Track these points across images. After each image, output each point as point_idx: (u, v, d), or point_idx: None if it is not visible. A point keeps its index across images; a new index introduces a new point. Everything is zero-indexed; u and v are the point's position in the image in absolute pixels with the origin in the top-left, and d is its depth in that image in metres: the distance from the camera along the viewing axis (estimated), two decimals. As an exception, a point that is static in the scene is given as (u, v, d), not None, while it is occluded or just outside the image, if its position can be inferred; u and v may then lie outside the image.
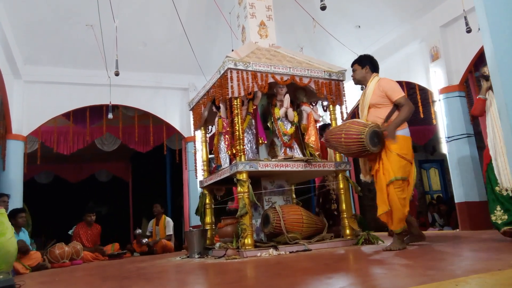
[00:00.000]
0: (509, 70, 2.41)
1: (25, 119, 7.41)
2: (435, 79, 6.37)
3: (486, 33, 2.55)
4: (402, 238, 3.50)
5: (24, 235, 5.61)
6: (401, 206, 3.38)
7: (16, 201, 6.83)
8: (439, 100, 6.30)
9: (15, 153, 7.15)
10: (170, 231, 7.44)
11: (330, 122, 4.90)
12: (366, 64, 3.89)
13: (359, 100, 4.03)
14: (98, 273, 4.06)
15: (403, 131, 3.59)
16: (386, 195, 3.43)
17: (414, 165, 3.58)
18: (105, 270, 4.26)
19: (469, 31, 5.18)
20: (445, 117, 6.18)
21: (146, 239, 7.33)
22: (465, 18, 5.24)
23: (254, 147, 4.71)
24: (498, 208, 3.33)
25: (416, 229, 3.72)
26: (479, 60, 5.87)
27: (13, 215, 5.58)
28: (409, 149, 3.56)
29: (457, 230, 6.20)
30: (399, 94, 3.61)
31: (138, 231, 7.36)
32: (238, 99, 4.30)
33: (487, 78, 3.48)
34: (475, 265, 2.10)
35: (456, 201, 6.04)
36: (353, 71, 3.94)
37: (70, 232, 6.95)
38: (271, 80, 4.46)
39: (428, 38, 6.53)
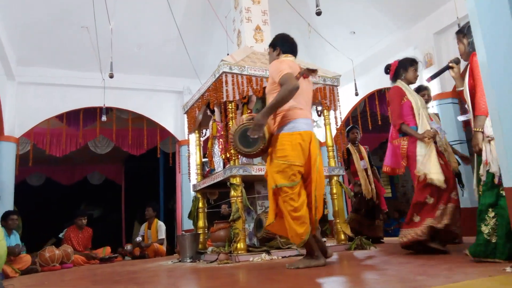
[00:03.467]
0: (502, 76, 2.43)
1: (17, 121, 7.35)
2: (428, 86, 6.41)
3: (479, 40, 2.57)
4: (317, 253, 2.89)
5: (15, 238, 5.55)
6: (290, 220, 2.77)
7: (7, 203, 6.76)
8: (432, 106, 6.34)
9: (7, 154, 7.08)
10: (162, 235, 7.39)
11: (324, 126, 4.91)
12: (276, 45, 3.19)
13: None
14: (88, 276, 4.02)
15: (287, 127, 2.90)
16: (274, 204, 2.89)
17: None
18: (96, 274, 4.22)
19: (462, 38, 5.23)
20: (438, 123, 6.22)
21: (140, 238, 7.25)
22: (459, 25, 5.29)
23: (248, 151, 4.70)
24: None
25: (320, 244, 3.00)
26: (472, 67, 5.93)
27: (4, 217, 5.53)
28: (293, 148, 2.84)
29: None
30: (280, 73, 2.85)
31: (138, 238, 7.30)
32: (233, 103, 4.30)
33: (457, 61, 3.00)
34: (467, 271, 2.10)
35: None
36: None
37: (60, 235, 6.87)
38: (266, 84, 4.46)
39: (421, 45, 6.58)
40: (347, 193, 4.80)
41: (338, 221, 4.53)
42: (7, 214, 5.59)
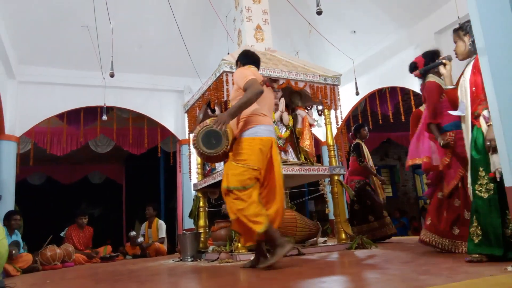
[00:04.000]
0: (503, 76, 2.43)
1: (18, 120, 7.35)
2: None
3: (480, 39, 2.57)
4: (280, 241, 2.87)
5: (17, 238, 5.56)
6: (242, 218, 2.85)
7: (8, 202, 6.77)
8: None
9: (8, 154, 7.08)
10: (162, 234, 7.40)
11: (325, 126, 4.91)
12: (238, 61, 3.38)
13: None
14: (89, 275, 4.03)
15: (249, 132, 2.99)
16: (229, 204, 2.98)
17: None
18: (97, 273, 4.23)
19: (463, 38, 5.22)
20: (438, 123, 6.21)
21: (142, 238, 7.27)
22: (459, 24, 5.28)
23: (248, 150, 4.71)
24: None
25: (277, 242, 2.92)
26: (473, 66, 5.92)
27: (7, 217, 5.54)
28: (253, 153, 2.92)
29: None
30: (245, 80, 2.98)
31: (133, 233, 7.31)
32: (234, 102, 4.30)
33: (450, 59, 3.02)
34: (468, 270, 2.11)
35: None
36: None
37: (62, 234, 6.89)
38: (266, 83, 4.47)
39: (423, 44, 6.57)
40: (348, 192, 4.80)
41: (338, 220, 4.53)
42: (10, 214, 5.60)
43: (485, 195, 2.47)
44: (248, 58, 3.35)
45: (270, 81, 3.19)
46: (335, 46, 7.19)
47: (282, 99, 4.82)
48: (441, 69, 2.96)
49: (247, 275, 2.81)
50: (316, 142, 8.35)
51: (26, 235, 7.00)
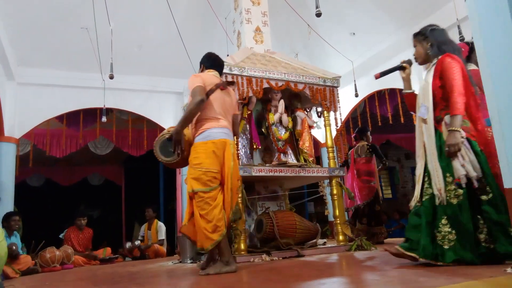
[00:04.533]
0: (502, 77, 2.43)
1: (17, 121, 7.35)
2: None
3: (479, 41, 2.58)
4: (229, 258, 3.01)
5: (16, 239, 5.55)
6: (201, 222, 2.94)
7: (8, 204, 6.76)
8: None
9: (7, 155, 7.07)
10: (162, 235, 7.39)
11: (324, 128, 4.91)
12: (202, 63, 3.47)
13: None
14: (89, 277, 4.02)
15: (201, 136, 3.11)
16: (190, 208, 3.09)
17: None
18: (96, 275, 4.22)
19: (462, 39, 5.24)
20: (438, 124, 6.22)
21: (139, 242, 7.28)
22: (459, 27, 5.30)
23: (248, 152, 4.72)
24: None
25: (225, 257, 3.03)
26: (472, 68, 5.94)
27: (6, 218, 5.53)
28: (207, 156, 3.03)
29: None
30: (192, 87, 3.08)
31: (128, 244, 7.33)
32: (233, 104, 4.30)
33: (410, 63, 2.98)
34: (468, 272, 2.11)
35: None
36: None
37: (61, 236, 6.88)
38: (266, 85, 4.47)
39: (422, 46, 6.58)
40: (347, 194, 4.80)
41: (338, 222, 4.53)
42: (9, 215, 5.59)
43: (455, 201, 2.45)
44: (210, 61, 3.44)
45: (227, 84, 3.33)
46: (335, 48, 7.20)
47: (282, 101, 4.82)
48: (401, 73, 2.98)
49: (246, 277, 2.81)
50: (316, 143, 8.34)
51: (25, 236, 6.98)
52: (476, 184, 2.39)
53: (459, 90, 2.49)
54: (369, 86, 7.76)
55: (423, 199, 2.59)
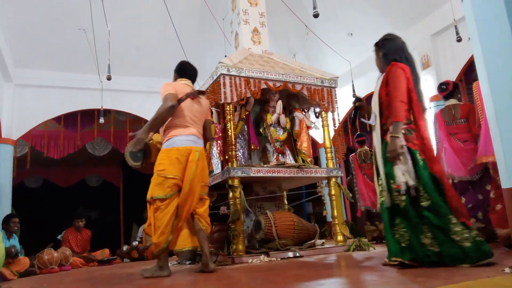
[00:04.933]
0: (499, 78, 2.44)
1: (15, 123, 7.33)
2: (425, 87, 6.43)
3: (476, 42, 2.59)
4: (164, 264, 3.16)
5: (15, 241, 5.53)
6: (154, 227, 3.09)
7: (5, 205, 6.75)
8: (430, 108, 6.36)
9: (5, 157, 7.06)
10: (160, 236, 7.37)
11: (322, 128, 4.92)
12: (175, 72, 3.60)
13: None
14: (87, 279, 4.01)
15: (167, 143, 3.22)
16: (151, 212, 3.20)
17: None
18: (94, 276, 4.21)
19: (459, 40, 5.25)
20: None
21: (137, 243, 7.26)
22: (456, 27, 5.32)
23: (246, 153, 4.72)
24: None
25: (205, 259, 3.17)
26: (469, 68, 5.95)
27: (6, 221, 5.51)
28: (170, 163, 3.13)
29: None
30: (163, 95, 3.21)
31: (125, 247, 7.33)
32: (231, 105, 4.31)
33: (359, 99, 3.12)
34: (465, 272, 2.11)
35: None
36: None
37: (59, 237, 6.86)
38: (264, 86, 4.48)
39: (419, 46, 6.60)
40: (345, 195, 4.81)
41: (336, 222, 4.54)
42: (8, 217, 5.57)
43: (402, 204, 2.51)
44: (183, 70, 3.56)
45: (198, 93, 3.43)
46: (332, 48, 7.21)
47: (280, 102, 4.82)
48: (361, 110, 3.08)
49: (245, 278, 2.81)
50: (314, 144, 8.36)
51: (23, 238, 6.96)
52: (413, 192, 2.45)
53: (401, 98, 2.54)
54: (366, 87, 7.78)
55: (380, 202, 2.67)
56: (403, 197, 2.48)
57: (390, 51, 2.80)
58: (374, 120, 2.68)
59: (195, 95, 3.39)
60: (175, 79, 3.56)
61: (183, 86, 3.41)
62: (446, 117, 4.13)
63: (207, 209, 3.32)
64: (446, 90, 4.14)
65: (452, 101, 4.10)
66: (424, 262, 2.39)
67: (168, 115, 3.19)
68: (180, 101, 3.25)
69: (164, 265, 3.17)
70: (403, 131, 2.53)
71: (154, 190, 3.13)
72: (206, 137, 3.53)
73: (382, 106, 2.68)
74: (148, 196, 3.16)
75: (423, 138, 2.57)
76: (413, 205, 2.47)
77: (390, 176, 2.55)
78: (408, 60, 2.75)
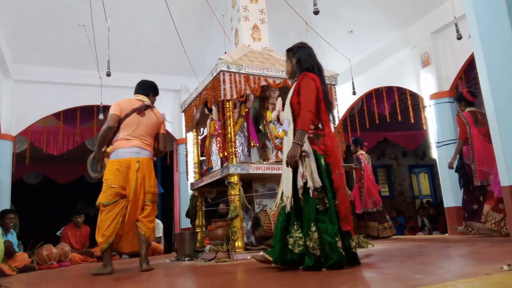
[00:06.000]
0: (499, 76, 2.44)
1: (14, 119, 7.32)
2: (425, 85, 6.44)
3: (477, 39, 2.58)
4: (107, 262, 3.51)
5: (12, 237, 5.53)
6: (98, 229, 3.47)
7: (4, 201, 6.75)
8: (430, 105, 6.36)
9: (4, 153, 7.06)
10: (159, 233, 7.39)
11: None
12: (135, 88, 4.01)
13: None
14: (86, 275, 4.01)
15: (111, 155, 3.59)
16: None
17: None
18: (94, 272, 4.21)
19: (459, 37, 5.25)
20: (435, 122, 6.24)
21: None
22: (456, 25, 5.31)
23: (245, 149, 4.71)
24: None
25: (140, 260, 3.54)
26: (469, 66, 5.95)
27: (1, 216, 5.50)
28: (112, 173, 3.48)
29: (446, 234, 6.25)
30: (109, 115, 3.66)
31: None
32: (231, 102, 4.30)
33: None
34: (464, 270, 2.12)
35: (445, 205, 6.10)
36: None
37: (58, 233, 6.87)
38: (263, 83, 4.47)
39: (419, 44, 6.60)
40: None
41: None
42: (4, 213, 5.56)
43: (299, 208, 2.63)
44: (137, 87, 3.97)
45: (145, 108, 3.74)
46: (332, 45, 7.20)
47: (279, 99, 4.82)
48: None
49: (244, 274, 2.82)
50: (313, 141, 8.35)
51: (22, 234, 6.96)
52: (311, 193, 2.53)
53: (309, 107, 2.64)
54: (366, 84, 7.78)
55: (280, 206, 2.76)
56: (302, 200, 2.57)
57: (304, 59, 2.90)
58: (287, 125, 2.79)
59: (142, 110, 3.69)
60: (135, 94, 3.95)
61: (132, 102, 3.75)
62: (474, 118, 4.66)
63: (149, 214, 3.65)
64: (476, 97, 4.81)
65: (473, 108, 4.79)
66: (291, 263, 2.55)
67: (107, 135, 3.56)
68: (125, 117, 3.60)
69: (107, 263, 3.50)
70: (311, 135, 2.68)
71: (100, 197, 3.49)
72: (159, 149, 3.80)
73: (294, 114, 2.78)
74: (97, 202, 3.51)
75: (329, 144, 2.70)
76: (310, 209, 2.55)
77: (290, 180, 2.64)
78: (319, 69, 2.89)
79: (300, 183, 2.55)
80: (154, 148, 3.80)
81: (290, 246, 2.58)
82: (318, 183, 2.53)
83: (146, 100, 3.82)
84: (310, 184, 2.52)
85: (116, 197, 3.47)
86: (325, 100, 2.76)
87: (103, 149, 3.62)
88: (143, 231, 3.55)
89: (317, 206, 2.54)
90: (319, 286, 2.01)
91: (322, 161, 2.63)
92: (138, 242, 3.55)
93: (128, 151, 3.53)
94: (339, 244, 2.48)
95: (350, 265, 2.56)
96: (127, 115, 3.60)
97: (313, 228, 2.50)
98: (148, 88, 3.93)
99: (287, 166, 2.61)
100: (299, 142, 2.57)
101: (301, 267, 2.56)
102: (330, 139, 2.72)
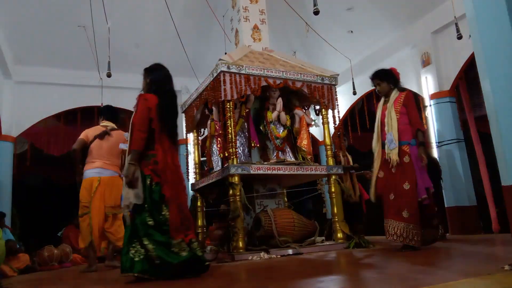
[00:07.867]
0: (499, 76, 2.44)
1: (15, 120, 7.33)
2: (426, 85, 6.44)
3: (477, 39, 2.58)
4: (90, 261, 4.15)
5: (7, 236, 5.52)
6: (81, 234, 4.23)
7: (5, 203, 6.75)
8: (430, 105, 6.36)
9: (5, 154, 7.06)
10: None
11: (322, 125, 4.91)
12: (102, 114, 4.66)
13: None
14: (87, 275, 4.01)
15: (83, 175, 4.20)
16: None
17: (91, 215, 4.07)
18: (94, 273, 4.21)
19: (460, 37, 5.25)
20: (435, 122, 6.24)
21: None
22: (456, 24, 5.31)
23: (246, 150, 4.71)
24: None
25: (89, 261, 4.20)
26: (470, 66, 5.95)
27: None
28: (81, 191, 4.14)
29: (447, 234, 6.25)
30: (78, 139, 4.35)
31: None
32: (231, 102, 4.30)
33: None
34: (465, 269, 2.12)
35: (446, 205, 6.09)
36: None
37: (59, 234, 6.87)
38: (264, 83, 4.47)
39: (419, 44, 6.60)
40: (345, 192, 4.81)
41: (336, 219, 4.53)
42: None
43: (136, 222, 2.76)
44: (105, 112, 4.64)
45: (105, 134, 4.30)
46: (332, 46, 7.19)
47: (280, 99, 4.82)
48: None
49: (245, 275, 2.82)
50: (314, 141, 8.34)
51: (23, 235, 6.97)
52: (130, 207, 2.71)
53: (139, 127, 2.77)
54: (367, 84, 7.74)
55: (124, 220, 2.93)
56: (137, 216, 2.71)
57: (157, 80, 3.15)
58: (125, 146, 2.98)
59: (102, 137, 4.27)
60: (101, 120, 4.58)
61: (96, 129, 4.37)
62: None
63: (117, 225, 4.18)
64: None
65: None
66: (154, 273, 2.65)
67: (74, 155, 4.25)
68: (90, 143, 4.24)
69: (91, 263, 4.14)
70: (143, 155, 2.78)
71: (79, 209, 4.17)
72: (123, 165, 4.10)
73: (132, 133, 2.88)
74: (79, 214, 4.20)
75: (161, 163, 2.79)
76: (143, 224, 2.70)
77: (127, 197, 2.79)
78: (171, 92, 3.10)
79: (131, 200, 2.70)
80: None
81: (131, 255, 2.69)
82: (140, 201, 2.69)
83: (110, 125, 4.42)
84: (132, 201, 2.69)
85: (86, 210, 4.12)
86: (158, 119, 2.83)
87: (80, 166, 4.30)
88: (112, 240, 4.24)
89: (148, 222, 2.70)
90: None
91: (148, 181, 2.74)
92: (109, 248, 4.43)
93: (92, 172, 4.18)
94: (176, 249, 2.65)
95: (195, 271, 2.71)
96: (91, 141, 4.25)
97: (151, 242, 2.66)
98: (113, 117, 4.64)
99: (126, 184, 2.75)
100: (132, 162, 2.70)
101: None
102: (163, 157, 2.81)
